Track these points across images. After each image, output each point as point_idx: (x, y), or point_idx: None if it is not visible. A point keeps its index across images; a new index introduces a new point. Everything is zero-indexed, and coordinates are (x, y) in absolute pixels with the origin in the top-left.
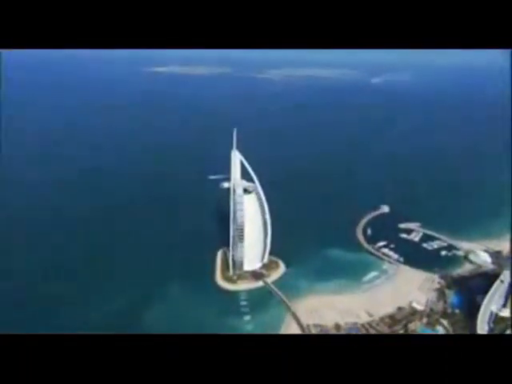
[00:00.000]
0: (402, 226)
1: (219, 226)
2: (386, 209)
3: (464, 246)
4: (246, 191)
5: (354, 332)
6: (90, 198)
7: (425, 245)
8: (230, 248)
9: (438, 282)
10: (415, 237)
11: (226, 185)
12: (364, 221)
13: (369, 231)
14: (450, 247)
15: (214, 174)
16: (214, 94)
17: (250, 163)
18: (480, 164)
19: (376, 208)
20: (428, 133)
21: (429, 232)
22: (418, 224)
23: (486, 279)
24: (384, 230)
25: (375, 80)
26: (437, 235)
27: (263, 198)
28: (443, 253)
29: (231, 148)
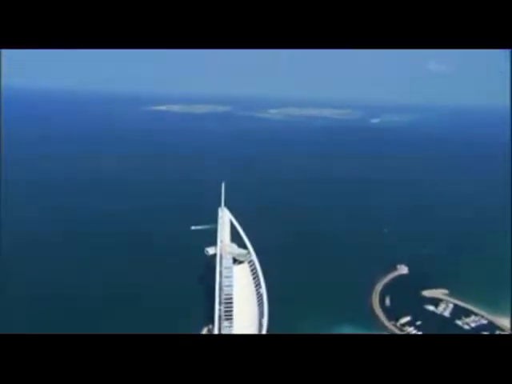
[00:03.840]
0: (426, 293)
1: (204, 296)
2: (404, 269)
3: (509, 324)
4: (236, 261)
5: None
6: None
7: (459, 322)
8: (215, 329)
9: None
10: (445, 310)
11: (210, 251)
12: (380, 286)
13: (387, 301)
14: (491, 326)
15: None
16: (212, 133)
17: (242, 222)
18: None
19: (393, 268)
20: (441, 178)
21: (460, 303)
22: (444, 291)
23: None
24: (405, 299)
25: (374, 120)
26: (471, 308)
27: (258, 268)
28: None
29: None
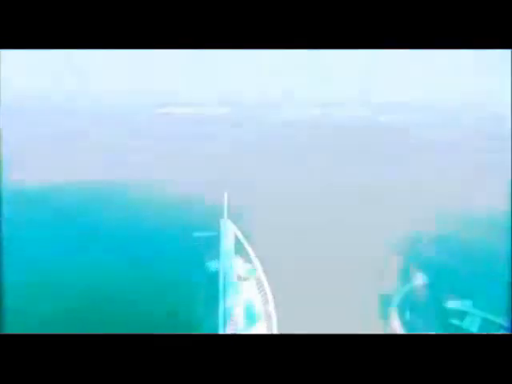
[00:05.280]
0: (450, 305)
1: (205, 316)
2: (423, 278)
3: None
4: (240, 278)
5: None
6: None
7: None
8: None
9: None
10: (472, 324)
11: (213, 266)
12: (398, 298)
13: (407, 315)
14: None
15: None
16: (213, 136)
17: (247, 234)
18: None
19: (410, 277)
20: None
21: (489, 316)
22: (469, 303)
23: None
24: (427, 312)
25: (383, 118)
26: (501, 322)
27: (266, 285)
28: None
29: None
